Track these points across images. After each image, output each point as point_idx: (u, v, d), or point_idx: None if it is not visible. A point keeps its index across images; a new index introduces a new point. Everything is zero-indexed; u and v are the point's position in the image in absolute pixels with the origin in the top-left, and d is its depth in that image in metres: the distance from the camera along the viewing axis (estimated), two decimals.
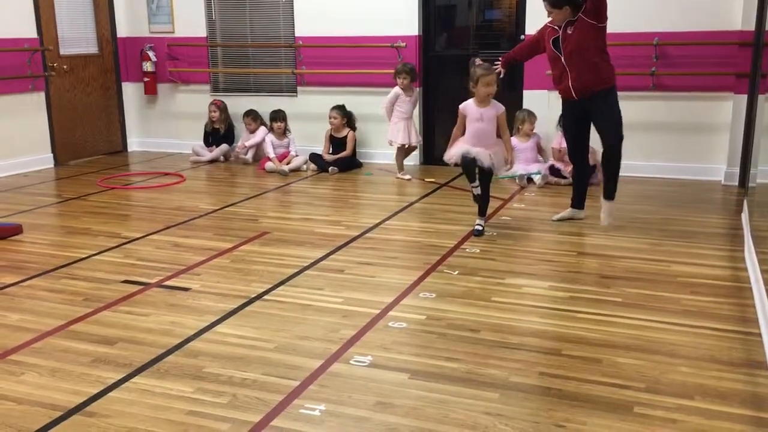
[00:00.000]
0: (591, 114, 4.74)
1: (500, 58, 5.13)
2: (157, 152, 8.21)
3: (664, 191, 6.01)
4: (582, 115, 4.78)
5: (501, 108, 4.67)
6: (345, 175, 6.90)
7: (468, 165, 4.66)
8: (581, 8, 4.52)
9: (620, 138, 4.72)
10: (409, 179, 6.60)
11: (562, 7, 4.54)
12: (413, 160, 7.18)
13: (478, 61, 4.70)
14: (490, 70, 4.62)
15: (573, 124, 4.90)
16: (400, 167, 6.76)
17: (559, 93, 4.86)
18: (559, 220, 5.03)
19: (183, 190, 6.34)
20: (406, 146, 6.76)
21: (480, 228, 4.75)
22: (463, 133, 4.71)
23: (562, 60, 4.65)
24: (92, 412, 2.62)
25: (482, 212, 4.80)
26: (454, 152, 4.70)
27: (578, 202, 5.05)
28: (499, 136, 4.73)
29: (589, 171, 5.15)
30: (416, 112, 7.20)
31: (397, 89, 6.67)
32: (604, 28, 4.61)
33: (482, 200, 4.78)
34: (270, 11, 7.68)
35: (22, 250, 4.60)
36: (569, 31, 4.59)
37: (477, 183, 4.73)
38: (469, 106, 4.66)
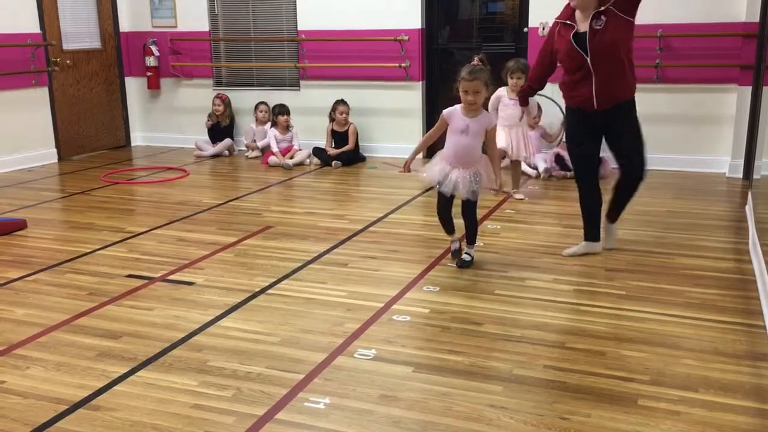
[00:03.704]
0: (609, 131, 4.00)
1: (518, 97, 4.54)
2: (161, 147, 8.21)
3: (668, 183, 6.00)
4: (597, 131, 4.02)
5: (492, 121, 3.95)
6: (348, 169, 6.90)
7: (445, 204, 4.03)
8: None
9: (645, 167, 4.01)
10: (522, 199, 5.50)
11: None
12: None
13: (475, 59, 3.88)
14: (475, 75, 3.77)
15: (584, 141, 4.09)
16: (514, 182, 5.63)
17: (571, 102, 4.07)
18: (572, 255, 4.20)
19: (186, 185, 6.35)
20: (507, 158, 5.60)
21: (468, 258, 4.06)
22: (437, 142, 4.03)
23: (588, 61, 3.85)
24: (97, 405, 2.63)
25: (471, 239, 4.09)
26: (430, 174, 3.99)
27: (592, 234, 4.21)
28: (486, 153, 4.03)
29: (600, 196, 4.20)
30: (419, 106, 7.21)
31: (499, 91, 5.59)
32: (633, 25, 3.90)
33: (469, 227, 4.06)
34: (272, 5, 7.66)
35: (26, 245, 4.61)
36: (597, 26, 3.82)
37: (455, 235, 4.13)
38: (454, 114, 3.90)
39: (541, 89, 4.40)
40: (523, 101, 4.48)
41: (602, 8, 3.81)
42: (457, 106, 3.91)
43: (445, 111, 3.96)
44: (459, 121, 3.88)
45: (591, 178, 4.16)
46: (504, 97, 5.61)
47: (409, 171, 4.08)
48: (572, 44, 3.88)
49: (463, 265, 4.02)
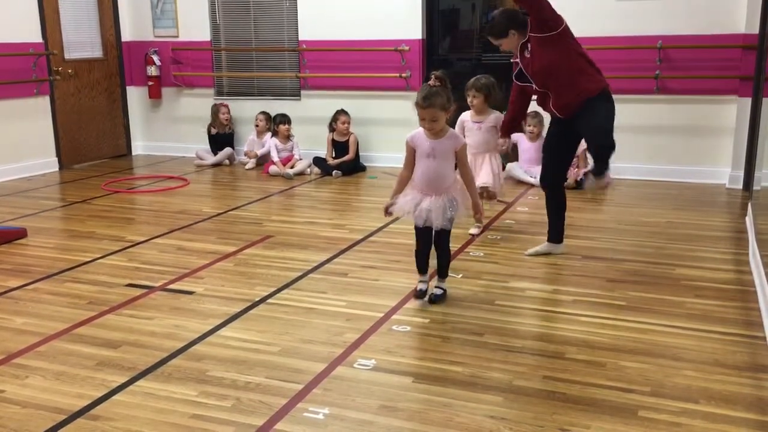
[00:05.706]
0: (577, 127, 4.08)
1: (500, 131, 4.57)
2: (161, 156, 8.23)
3: (668, 194, 6.00)
4: (567, 130, 4.13)
5: (460, 141, 3.59)
6: (349, 179, 6.91)
7: (424, 240, 3.65)
8: (528, 26, 3.94)
9: (608, 141, 3.91)
10: (477, 234, 4.84)
11: (508, 34, 4.01)
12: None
13: (432, 77, 3.47)
14: (429, 101, 3.40)
15: (554, 140, 4.25)
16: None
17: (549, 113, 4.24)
18: (534, 254, 4.37)
19: (187, 194, 6.35)
20: (481, 191, 4.81)
21: (440, 291, 3.68)
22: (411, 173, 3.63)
23: (534, 86, 4.09)
24: (96, 415, 2.62)
25: (442, 273, 3.73)
26: (400, 205, 3.60)
27: (555, 235, 4.37)
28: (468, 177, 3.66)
29: (563, 200, 4.34)
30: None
31: (463, 115, 5.00)
32: (563, 34, 3.91)
33: (441, 259, 3.70)
34: (274, 15, 7.69)
35: (26, 254, 4.61)
36: (527, 54, 4.03)
37: (425, 276, 3.70)
38: (418, 137, 3.57)
39: (520, 121, 4.47)
40: (503, 133, 4.54)
41: (526, 39, 4.02)
42: (420, 129, 3.59)
43: (408, 136, 3.63)
44: (424, 144, 3.55)
45: (553, 179, 4.32)
46: (468, 121, 4.96)
47: (390, 215, 3.66)
48: (518, 81, 4.19)
49: (435, 299, 3.64)
